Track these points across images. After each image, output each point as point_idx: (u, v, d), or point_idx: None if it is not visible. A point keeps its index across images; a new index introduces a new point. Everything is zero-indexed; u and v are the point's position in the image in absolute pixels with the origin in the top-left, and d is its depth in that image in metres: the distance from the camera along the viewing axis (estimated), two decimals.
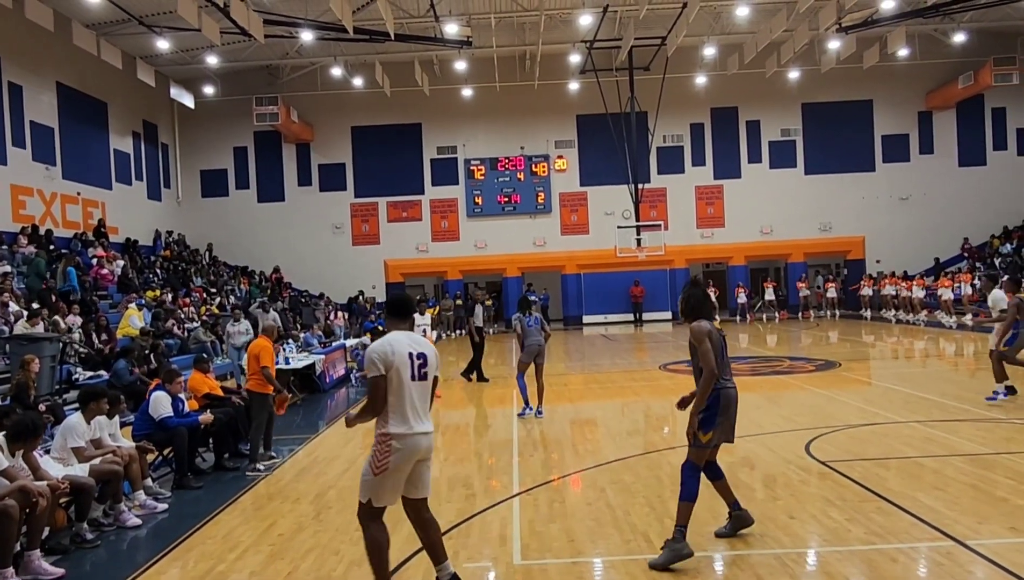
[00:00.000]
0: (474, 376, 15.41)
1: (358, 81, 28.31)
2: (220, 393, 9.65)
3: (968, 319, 23.97)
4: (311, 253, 30.09)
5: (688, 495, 5.15)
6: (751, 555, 5.26)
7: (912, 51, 27.51)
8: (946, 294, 25.12)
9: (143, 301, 17.69)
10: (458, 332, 28.75)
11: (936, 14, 24.15)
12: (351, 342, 17.80)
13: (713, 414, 5.18)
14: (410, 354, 4.57)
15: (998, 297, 11.26)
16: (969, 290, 25.19)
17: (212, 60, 25.75)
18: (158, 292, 19.88)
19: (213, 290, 23.89)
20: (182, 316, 18.17)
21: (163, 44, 22.91)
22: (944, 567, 4.92)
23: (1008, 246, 28.54)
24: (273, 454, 9.15)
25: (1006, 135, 30.36)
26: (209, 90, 28.42)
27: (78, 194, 22.21)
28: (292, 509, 7.00)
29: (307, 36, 23.14)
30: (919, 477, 6.99)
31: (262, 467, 8.59)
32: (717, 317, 5.75)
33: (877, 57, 26.22)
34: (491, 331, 28.83)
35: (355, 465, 8.77)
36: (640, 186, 28.45)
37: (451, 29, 23.68)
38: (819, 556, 5.26)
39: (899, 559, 5.08)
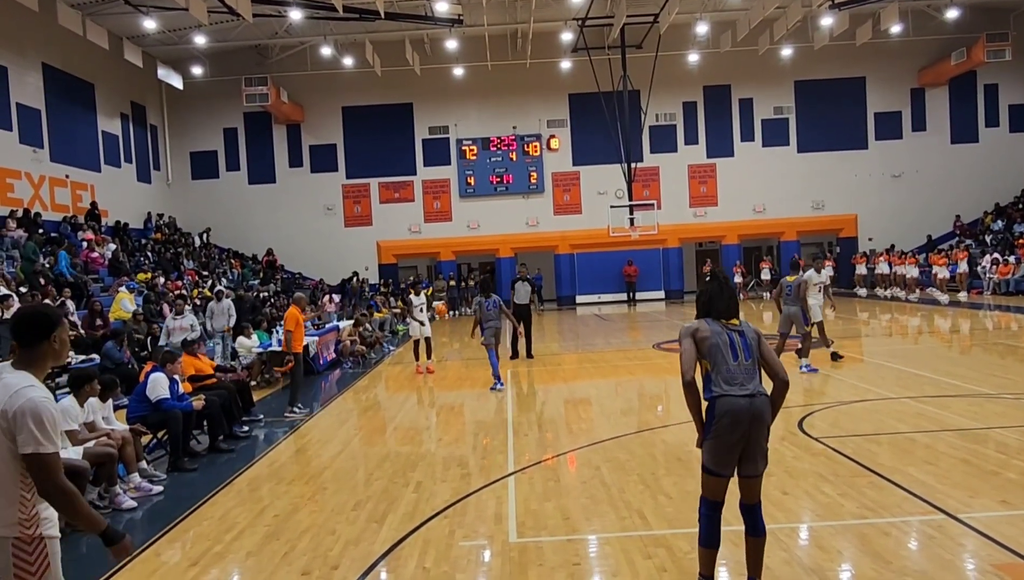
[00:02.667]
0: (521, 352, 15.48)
1: (348, 61, 28.05)
2: (210, 371, 9.65)
3: (961, 296, 24.13)
4: (303, 235, 29.96)
5: (700, 538, 4.29)
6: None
7: (905, 27, 27.40)
8: (940, 272, 25.23)
9: (134, 284, 17.59)
10: (452, 313, 28.76)
11: None
12: (344, 324, 17.77)
13: (708, 428, 4.21)
14: None
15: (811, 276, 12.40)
16: (964, 267, 25.31)
17: (200, 40, 25.46)
18: (149, 275, 19.78)
19: (205, 273, 23.79)
20: (173, 298, 18.08)
21: (150, 24, 22.63)
22: (936, 540, 4.97)
23: (999, 223, 28.64)
24: (298, 408, 10.65)
25: (998, 112, 30.34)
26: (197, 71, 28.13)
27: (66, 177, 22.01)
28: (287, 490, 7.02)
29: (296, 15, 22.89)
30: (911, 452, 7.05)
31: (296, 411, 10.55)
32: (739, 314, 4.83)
33: (870, 34, 26.11)
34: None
35: (349, 446, 8.80)
36: (633, 165, 28.36)
37: (442, 7, 23.46)
38: (812, 531, 5.31)
39: (891, 533, 5.13)
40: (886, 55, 29.31)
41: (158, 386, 7.98)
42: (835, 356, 12.61)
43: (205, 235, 28.29)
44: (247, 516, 6.28)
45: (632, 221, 27.43)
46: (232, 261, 27.12)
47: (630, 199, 28.31)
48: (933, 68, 29.61)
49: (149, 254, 22.93)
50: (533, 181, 30.55)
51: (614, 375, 13.15)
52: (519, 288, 15.68)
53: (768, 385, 4.25)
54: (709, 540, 4.24)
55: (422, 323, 14.55)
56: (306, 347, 14.58)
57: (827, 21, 25.87)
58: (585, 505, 6.05)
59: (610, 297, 30.29)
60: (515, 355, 15.41)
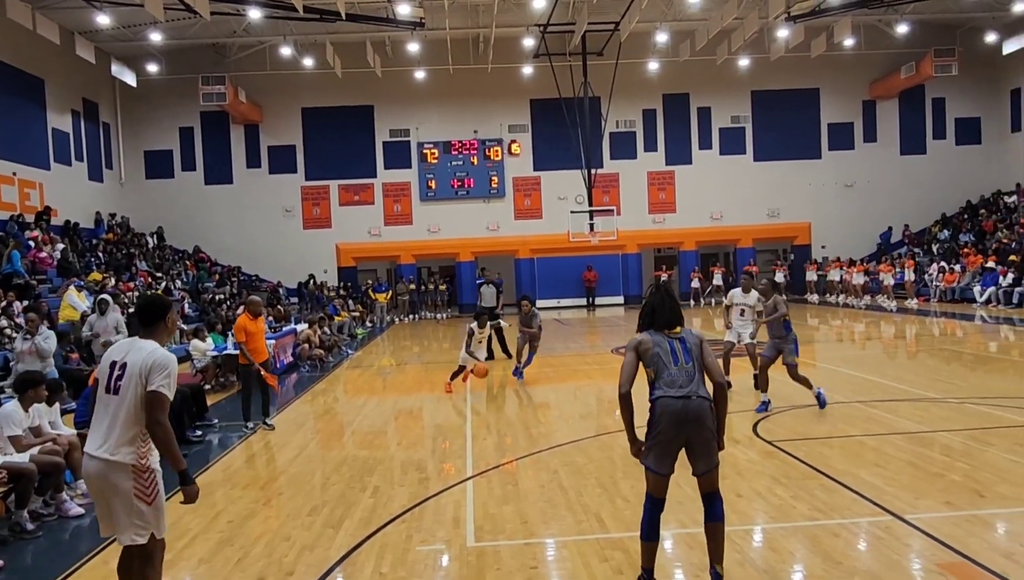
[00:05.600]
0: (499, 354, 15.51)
1: (308, 61, 27.76)
2: None
3: (910, 302, 24.82)
4: (261, 237, 29.52)
5: (641, 532, 4.43)
6: (699, 532, 5.36)
7: (857, 41, 28.11)
8: (887, 279, 25.92)
9: (82, 283, 17.14)
10: (412, 316, 28.62)
11: (880, 5, 24.72)
12: (302, 327, 17.56)
13: (650, 429, 4.37)
14: (112, 363, 3.92)
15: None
16: (912, 275, 26.04)
17: (155, 37, 24.94)
18: (100, 276, 19.30)
19: (159, 274, 23.30)
20: (126, 301, 17.68)
21: (103, 19, 22.10)
22: (883, 541, 5.11)
23: (946, 233, 29.52)
24: (267, 423, 9.85)
25: (945, 125, 31.28)
26: (153, 68, 27.55)
27: (14, 174, 21.34)
28: (242, 496, 6.91)
29: (255, 14, 22.58)
30: (861, 455, 7.22)
31: (249, 426, 9.66)
32: (682, 322, 4.78)
33: (824, 46, 26.72)
34: (442, 317, 28.79)
35: (306, 451, 8.70)
36: (593, 171, 28.58)
37: (403, 10, 23.37)
38: (765, 532, 5.41)
39: (841, 534, 5.25)
40: (839, 67, 30.02)
41: None
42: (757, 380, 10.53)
43: (156, 236, 27.68)
44: (200, 522, 6.16)
45: (592, 227, 27.63)
46: (187, 262, 26.61)
47: (590, 205, 28.51)
48: (884, 81, 30.42)
49: (100, 255, 22.38)
50: (494, 185, 30.58)
51: (573, 379, 13.23)
52: (485, 291, 15.74)
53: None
54: (648, 534, 4.42)
55: (477, 359, 12.09)
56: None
57: (783, 33, 26.42)
58: (543, 509, 6.07)
59: (570, 302, 30.44)
60: (491, 356, 15.04)
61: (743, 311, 11.13)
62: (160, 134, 29.35)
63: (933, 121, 31.27)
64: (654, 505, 4.42)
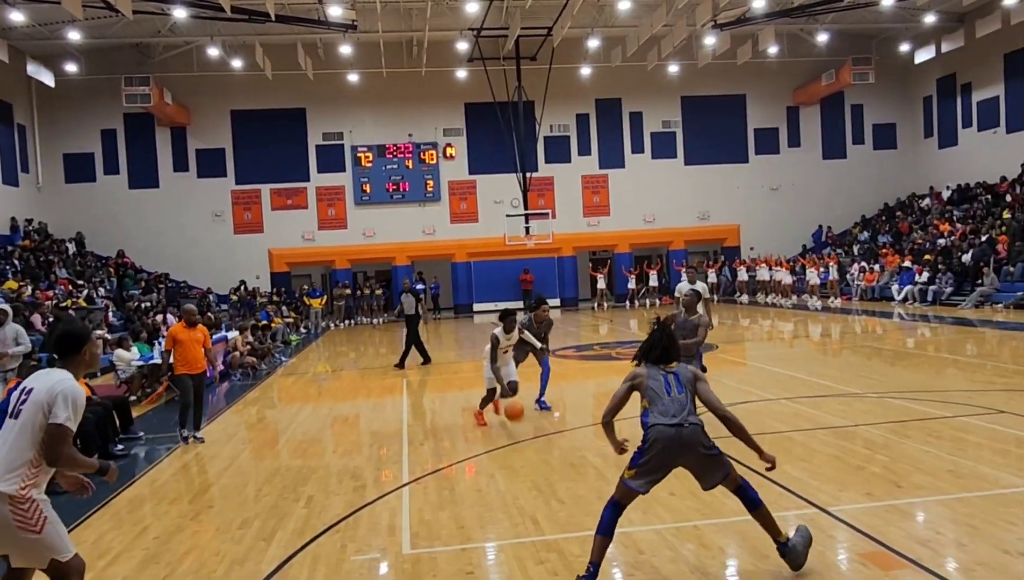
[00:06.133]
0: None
1: (237, 63, 27.13)
2: (87, 392, 9.07)
3: (833, 301, 25.75)
4: (189, 242, 28.70)
5: (599, 527, 4.63)
6: (633, 531, 5.46)
7: (781, 49, 29.07)
8: (812, 278, 26.84)
9: None
10: (348, 322, 28.24)
11: (802, 14, 25.61)
12: (232, 334, 17.13)
13: (639, 452, 4.62)
14: (21, 388, 3.77)
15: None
16: (835, 274, 27.02)
17: (75, 36, 24.01)
18: (16, 284, 18.44)
19: (80, 282, 22.40)
20: (46, 310, 16.94)
21: (17, 16, 21.17)
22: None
23: (866, 234, 30.75)
24: (197, 436, 9.46)
25: (864, 130, 32.63)
26: (72, 68, 26.48)
27: None
28: (168, 510, 6.69)
29: (180, 13, 21.97)
30: (788, 450, 7.45)
31: (183, 434, 9.33)
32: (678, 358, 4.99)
33: (749, 54, 27.55)
34: (378, 322, 28.48)
35: (237, 461, 8.49)
36: (528, 175, 28.76)
37: (335, 12, 23.09)
38: (696, 529, 5.53)
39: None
40: (764, 74, 30.99)
41: None
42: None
43: (76, 242, 26.60)
44: (123, 539, 5.95)
45: (528, 230, 27.81)
46: (111, 269, 25.65)
47: (525, 208, 28.69)
48: (806, 88, 31.53)
49: (15, 262, 21.38)
50: (430, 189, 30.46)
51: None
52: (405, 300, 15.94)
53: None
54: (605, 530, 4.59)
55: (510, 390, 9.48)
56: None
57: (710, 40, 27.13)
58: (479, 513, 6.08)
59: (507, 305, 30.25)
60: (401, 365, 15.34)
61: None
62: (81, 136, 28.25)
63: (852, 127, 32.57)
64: (617, 510, 4.64)
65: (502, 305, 31.45)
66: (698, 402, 4.74)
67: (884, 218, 31.15)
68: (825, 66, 30.08)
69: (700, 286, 11.97)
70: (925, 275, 23.69)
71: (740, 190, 31.82)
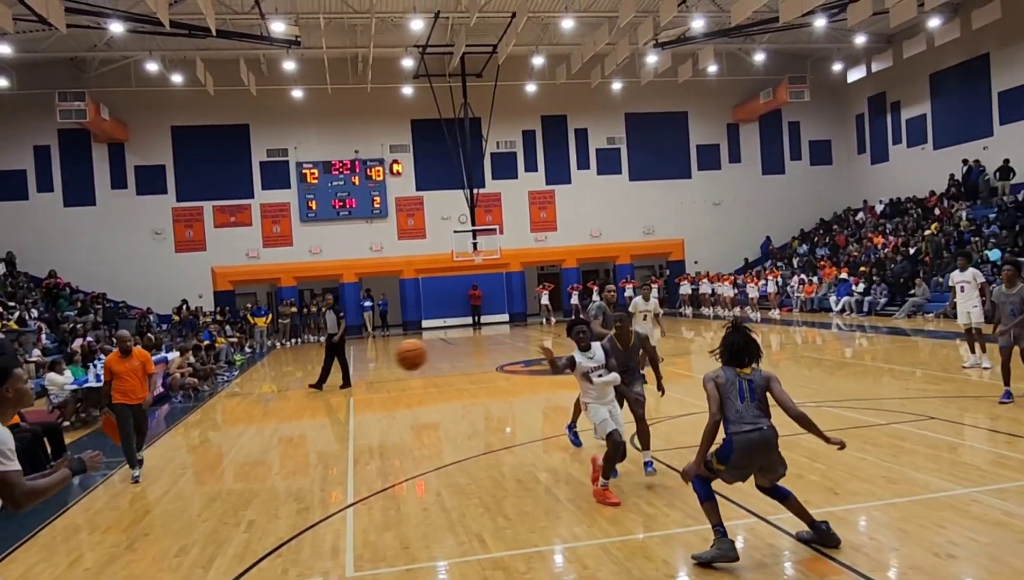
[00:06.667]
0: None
1: (177, 78, 26.61)
2: (16, 418, 8.73)
3: (773, 313, 26.38)
4: (128, 261, 27.92)
5: (702, 497, 5.10)
6: (579, 546, 5.48)
7: (720, 67, 29.84)
8: (752, 291, 27.47)
9: None
10: (294, 341, 27.78)
11: (739, 35, 26.35)
12: (173, 355, 16.70)
13: (728, 453, 4.99)
14: None
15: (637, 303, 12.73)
16: (774, 287, 27.70)
17: (5, 49, 23.21)
18: None
19: (12, 304, 21.56)
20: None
21: None
22: (748, 541, 5.38)
23: (804, 247, 31.64)
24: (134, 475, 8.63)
25: (800, 146, 33.66)
26: (3, 82, 25.62)
27: None
28: (102, 540, 6.46)
29: (117, 28, 21.48)
30: None
31: (135, 474, 8.56)
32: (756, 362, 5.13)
33: (690, 72, 28.21)
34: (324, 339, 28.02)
35: (176, 486, 8.27)
36: (475, 191, 28.85)
37: (278, 28, 22.88)
38: (640, 542, 5.58)
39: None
40: (705, 92, 31.75)
41: None
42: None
43: (5, 262, 25.62)
44: (54, 571, 5.72)
45: (475, 246, 27.85)
46: (43, 290, 24.76)
47: (473, 224, 28.74)
48: (745, 105, 32.41)
49: None
50: (376, 206, 30.29)
51: (459, 399, 13.22)
52: (328, 318, 15.49)
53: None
54: (706, 495, 5.10)
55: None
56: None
57: (652, 59, 27.70)
58: (425, 532, 6.03)
59: (456, 321, 30.46)
60: (319, 386, 14.81)
61: (645, 316, 12.51)
62: (12, 153, 27.32)
63: (790, 143, 33.57)
64: (706, 482, 5.12)
65: (451, 321, 31.70)
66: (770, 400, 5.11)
67: (822, 231, 32.11)
68: (763, 84, 30.97)
69: (653, 303, 12.66)
70: (861, 286, 24.47)
71: (684, 205, 32.44)
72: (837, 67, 31.00)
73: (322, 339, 27.55)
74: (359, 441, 9.94)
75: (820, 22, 24.57)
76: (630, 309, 12.44)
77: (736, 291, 28.28)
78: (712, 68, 28.63)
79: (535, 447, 8.94)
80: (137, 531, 6.65)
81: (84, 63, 26.60)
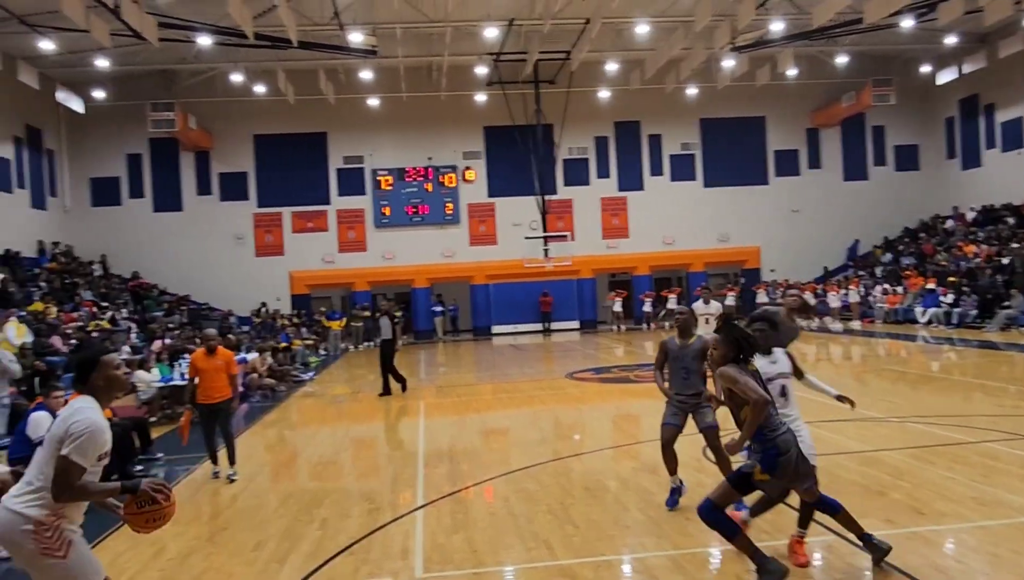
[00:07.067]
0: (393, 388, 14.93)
1: (260, 88, 27.57)
2: (108, 413, 9.15)
3: (854, 324, 25.45)
4: (211, 265, 29.03)
5: (730, 533, 4.72)
6: (648, 557, 5.39)
7: (800, 71, 29.02)
8: (834, 301, 26.58)
9: (23, 313, 16.60)
10: (366, 344, 28.34)
11: (821, 37, 25.58)
12: (252, 356, 17.24)
13: (773, 461, 4.67)
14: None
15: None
16: (856, 297, 26.73)
17: (102, 63, 24.52)
18: (42, 306, 18.72)
19: (105, 304, 22.68)
20: (68, 331, 17.17)
21: (47, 45, 21.67)
22: (827, 560, 5.19)
23: (889, 255, 30.44)
24: (231, 473, 8.63)
25: (885, 152, 32.43)
26: (100, 94, 27.05)
27: None
28: (184, 531, 6.71)
29: (205, 41, 22.39)
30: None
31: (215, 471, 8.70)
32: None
33: (768, 76, 27.55)
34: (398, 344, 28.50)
35: (254, 482, 8.51)
36: (546, 197, 28.85)
37: (356, 38, 23.42)
38: (712, 555, 5.45)
39: (787, 555, 5.31)
40: (784, 96, 30.95)
41: (39, 426, 7.52)
42: None
43: (101, 263, 27.01)
44: (140, 559, 5.97)
45: (546, 252, 27.84)
46: (130, 291, 25.95)
47: (544, 231, 28.74)
48: (826, 110, 31.44)
49: (42, 284, 21.72)
50: (449, 212, 30.63)
51: (528, 405, 13.21)
52: (382, 323, 15.22)
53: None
54: (735, 529, 4.78)
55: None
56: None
57: (728, 63, 27.17)
58: (493, 537, 6.03)
59: (526, 327, 30.50)
60: (386, 392, 14.67)
61: (707, 320, 12.09)
62: (107, 161, 28.79)
63: (874, 148, 32.38)
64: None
65: (521, 327, 31.72)
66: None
67: (907, 239, 30.84)
68: (845, 88, 29.99)
69: (715, 306, 12.45)
70: (950, 297, 23.37)
71: (760, 212, 31.67)
72: (925, 69, 29.75)
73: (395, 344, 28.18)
74: (429, 444, 10.04)
75: (908, 22, 23.62)
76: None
77: (816, 300, 27.42)
78: (791, 72, 27.89)
79: (604, 455, 8.85)
80: (216, 525, 6.88)
81: (174, 75, 27.84)
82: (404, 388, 14.92)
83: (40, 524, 3.48)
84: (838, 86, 30.26)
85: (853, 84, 29.70)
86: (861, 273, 29.55)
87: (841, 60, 28.43)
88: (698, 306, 12.56)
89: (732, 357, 4.81)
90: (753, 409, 4.60)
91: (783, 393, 5.42)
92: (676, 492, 6.57)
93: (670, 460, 6.54)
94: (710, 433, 6.49)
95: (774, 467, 4.64)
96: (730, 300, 30.06)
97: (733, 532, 4.69)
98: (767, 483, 4.72)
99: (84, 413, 3.58)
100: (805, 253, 31.39)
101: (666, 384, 6.62)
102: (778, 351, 5.60)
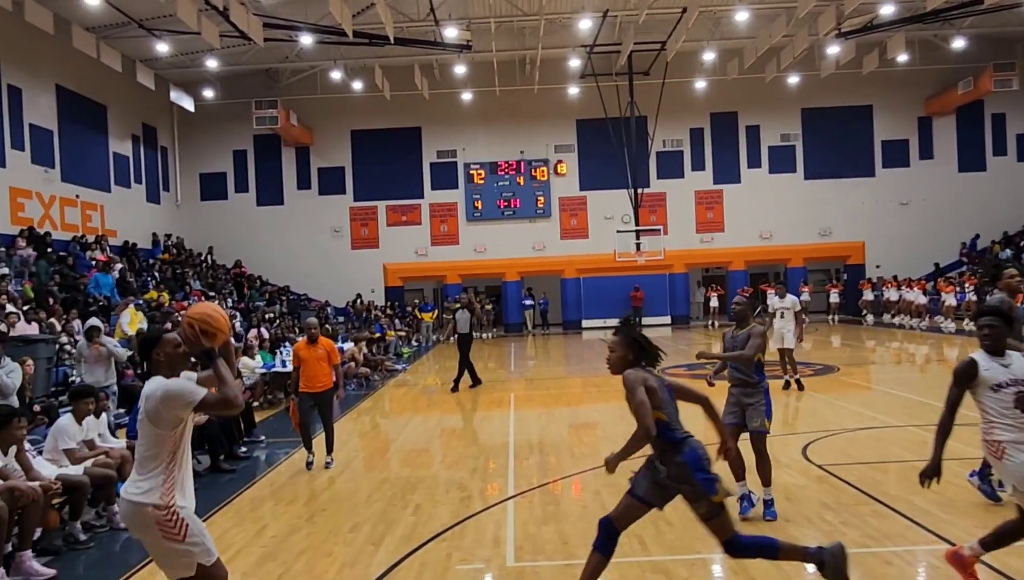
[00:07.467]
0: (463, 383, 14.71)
1: (357, 85, 28.32)
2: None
3: (968, 324, 23.94)
4: (309, 257, 30.06)
5: (770, 550, 4.22)
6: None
7: (911, 57, 27.48)
8: (948, 299, 25.09)
9: (140, 301, 17.65)
10: (457, 336, 28.68)
11: (935, 20, 24.15)
12: (348, 345, 17.76)
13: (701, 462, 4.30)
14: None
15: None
16: (973, 296, 25.12)
17: (212, 63, 25.77)
18: (156, 294, 19.85)
19: (212, 293, 23.86)
20: (179, 318, 18.13)
21: (162, 47, 22.92)
22: (939, 570, 4.90)
23: (1008, 252, 28.50)
24: (328, 459, 8.72)
25: (1006, 140, 30.34)
26: (209, 93, 28.44)
27: (76, 197, 22.20)
28: (286, 511, 6.97)
29: (307, 40, 23.15)
30: (915, 481, 6.88)
31: (310, 459, 8.67)
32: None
33: (876, 62, 26.23)
34: (487, 336, 28.81)
35: (350, 467, 8.75)
36: (639, 191, 28.44)
37: (451, 33, 23.69)
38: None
39: (894, 562, 5.05)
40: (893, 84, 29.41)
41: None
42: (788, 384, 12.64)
43: (208, 253, 28.43)
44: (244, 536, 6.23)
45: (638, 246, 27.43)
46: (235, 281, 27.19)
47: (636, 224, 28.35)
48: (940, 97, 29.68)
49: (156, 274, 23.03)
50: (540, 206, 30.64)
51: (618, 400, 12.99)
52: (460, 316, 14.99)
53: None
54: (771, 542, 4.31)
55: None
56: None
57: (833, 50, 26.00)
58: (584, 529, 5.98)
59: (616, 322, 30.00)
60: (455, 388, 14.45)
61: (782, 314, 12.69)
62: (215, 157, 30.22)
63: (993, 137, 30.37)
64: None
65: (611, 322, 31.44)
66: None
67: None
68: (961, 73, 28.23)
69: (790, 300, 12.34)
70: None
71: (865, 205, 30.24)
72: None
73: (484, 336, 28.53)
74: (519, 436, 10.07)
75: None
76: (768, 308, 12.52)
77: (928, 299, 25.96)
78: (902, 57, 26.43)
79: None
80: (315, 506, 7.11)
81: (277, 73, 28.94)
82: (474, 384, 14.63)
83: (158, 509, 3.60)
84: (953, 72, 28.52)
85: (970, 69, 27.91)
86: (978, 270, 27.78)
87: (958, 44, 26.76)
88: (773, 301, 12.84)
89: (631, 360, 4.39)
90: (633, 435, 4.17)
91: (1020, 402, 4.32)
92: (745, 499, 6.15)
93: (736, 465, 6.00)
94: (755, 437, 6.14)
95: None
96: (834, 297, 28.93)
97: (771, 547, 4.18)
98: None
99: (154, 385, 3.68)
100: (914, 248, 29.78)
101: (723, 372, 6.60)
102: (1013, 354, 4.47)
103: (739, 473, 6.07)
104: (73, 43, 19.88)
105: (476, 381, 14.87)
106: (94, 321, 12.35)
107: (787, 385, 12.45)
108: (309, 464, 8.60)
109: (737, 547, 4.15)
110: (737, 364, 6.25)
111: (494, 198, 30.62)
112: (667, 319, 30.03)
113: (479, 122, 30.32)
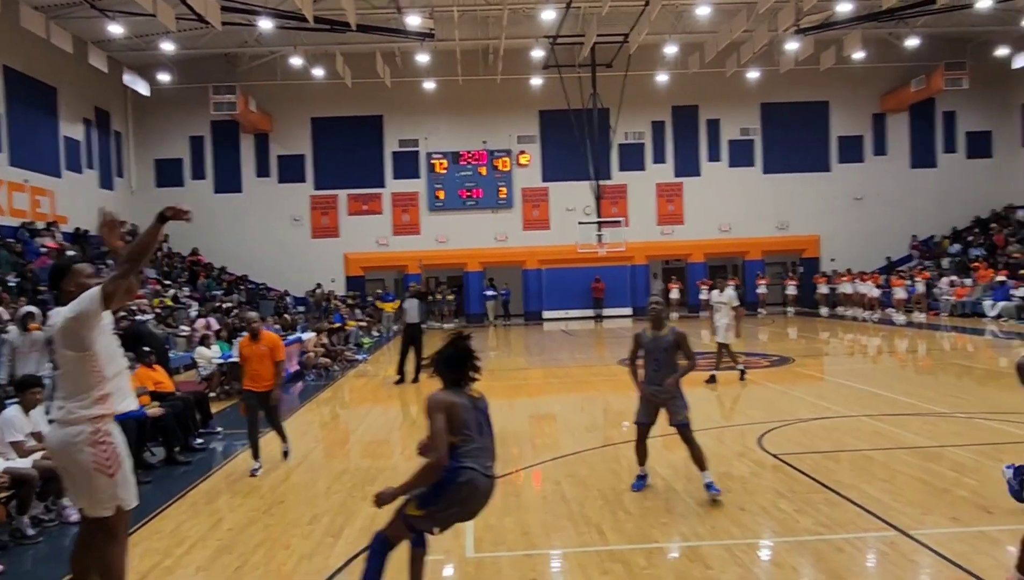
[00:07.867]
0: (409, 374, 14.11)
1: (318, 72, 27.90)
2: (171, 387, 9.44)
3: (919, 317, 24.64)
4: (269, 245, 29.61)
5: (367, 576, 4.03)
6: (701, 546, 5.31)
7: (867, 54, 28.02)
8: (899, 293, 25.76)
9: None
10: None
11: (890, 19, 24.66)
12: (307, 335, 17.56)
13: (436, 494, 4.00)
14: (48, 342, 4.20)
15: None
16: (923, 288, 25.85)
17: (168, 47, 25.13)
18: None
19: (167, 282, 23.39)
20: (134, 308, 17.74)
21: (116, 29, 22.29)
22: (888, 556, 5.04)
23: (956, 246, 29.34)
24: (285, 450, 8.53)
25: (955, 138, 31.17)
26: (165, 77, 27.74)
27: (25, 181, 21.50)
28: (242, 503, 6.88)
29: (266, 24, 22.72)
30: (867, 470, 7.14)
31: (256, 466, 8.00)
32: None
33: (833, 59, 26.69)
34: (449, 327, 28.73)
35: (309, 459, 8.67)
36: (601, 182, 28.58)
37: (413, 21, 23.48)
38: (768, 547, 5.34)
39: (845, 549, 5.18)
40: (849, 80, 29.97)
41: None
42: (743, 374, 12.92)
43: (165, 243, 27.80)
44: (199, 530, 6.14)
45: (600, 238, 27.58)
46: (187, 266, 26.67)
47: (598, 216, 28.49)
48: (894, 94, 30.35)
49: (110, 261, 22.47)
50: (502, 196, 30.60)
51: (579, 391, 13.16)
52: (408, 305, 14.58)
53: None
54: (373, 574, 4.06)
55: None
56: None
57: (792, 46, 26.40)
58: (544, 520, 6.02)
59: (577, 313, 30.38)
60: (401, 380, 14.04)
61: (719, 309, 12.94)
62: (171, 143, 29.54)
63: (944, 134, 31.16)
64: (387, 547, 4.28)
65: (572, 313, 31.65)
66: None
67: (977, 230, 29.65)
68: (915, 71, 28.89)
69: (727, 295, 12.49)
70: (1022, 290, 22.42)
71: (822, 199, 30.82)
72: (1001, 52, 28.38)
73: (446, 326, 28.44)
74: None
75: (984, 3, 22.59)
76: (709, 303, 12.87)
77: (880, 292, 26.60)
78: (858, 55, 26.94)
79: (655, 443, 8.70)
80: (273, 498, 7.03)
81: (235, 58, 28.35)
82: (416, 378, 13.76)
83: (96, 436, 3.66)
84: (907, 70, 29.17)
85: (923, 68, 28.57)
86: (927, 264, 28.54)
87: (911, 43, 27.36)
88: (714, 295, 13.04)
89: (448, 379, 4.10)
90: (423, 468, 3.88)
91: None
92: (643, 479, 6.80)
93: (641, 454, 6.80)
94: (682, 429, 6.51)
95: (430, 501, 3.99)
96: (790, 290, 29.47)
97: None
98: (419, 518, 4.05)
99: (57, 315, 3.78)
100: (868, 242, 30.46)
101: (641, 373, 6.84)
102: None
103: (642, 459, 6.80)
104: (21, 23, 19.23)
105: (414, 379, 13.95)
106: (29, 308, 11.88)
107: (712, 379, 12.48)
108: (254, 472, 7.87)
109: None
110: (662, 368, 6.60)
111: (456, 188, 30.49)
112: (628, 310, 30.30)
113: (441, 111, 30.13)
